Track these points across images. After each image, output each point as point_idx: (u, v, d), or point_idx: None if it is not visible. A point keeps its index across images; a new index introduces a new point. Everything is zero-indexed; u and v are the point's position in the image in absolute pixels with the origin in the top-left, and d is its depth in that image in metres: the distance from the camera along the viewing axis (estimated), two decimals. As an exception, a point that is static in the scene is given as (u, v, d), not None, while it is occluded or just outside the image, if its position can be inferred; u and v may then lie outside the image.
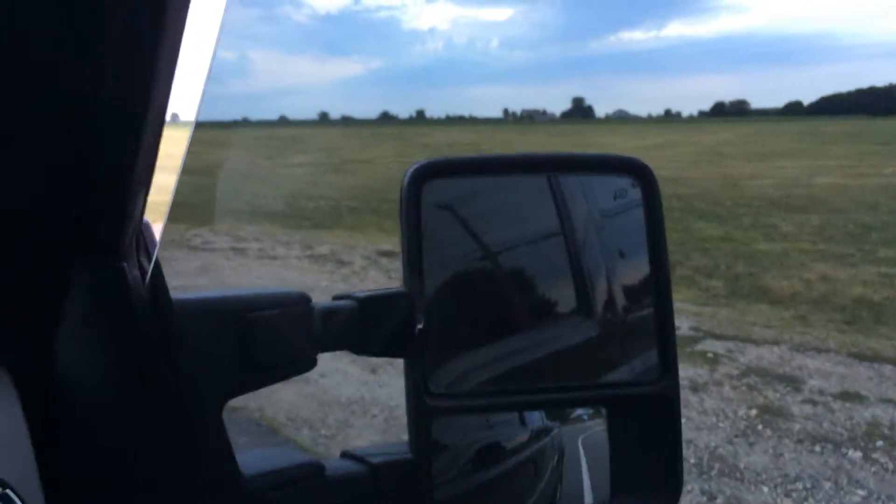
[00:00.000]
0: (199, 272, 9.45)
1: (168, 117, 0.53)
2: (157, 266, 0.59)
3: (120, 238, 0.56)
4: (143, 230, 0.60)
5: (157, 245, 0.60)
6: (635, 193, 0.79)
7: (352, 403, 5.16)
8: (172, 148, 0.57)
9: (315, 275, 9.33)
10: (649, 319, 0.79)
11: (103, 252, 0.56)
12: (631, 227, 0.79)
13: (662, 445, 0.78)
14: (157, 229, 0.61)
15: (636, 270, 0.79)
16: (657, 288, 0.78)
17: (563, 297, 0.79)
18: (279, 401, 5.05)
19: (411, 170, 0.73)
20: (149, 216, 0.60)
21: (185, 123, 0.58)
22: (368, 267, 9.82)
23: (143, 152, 0.51)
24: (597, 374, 0.80)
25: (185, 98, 0.54)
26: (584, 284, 0.80)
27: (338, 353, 0.72)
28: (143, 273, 0.58)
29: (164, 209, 0.61)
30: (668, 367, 0.77)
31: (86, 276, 0.56)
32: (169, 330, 0.58)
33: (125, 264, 0.57)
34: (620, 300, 0.81)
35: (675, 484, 0.78)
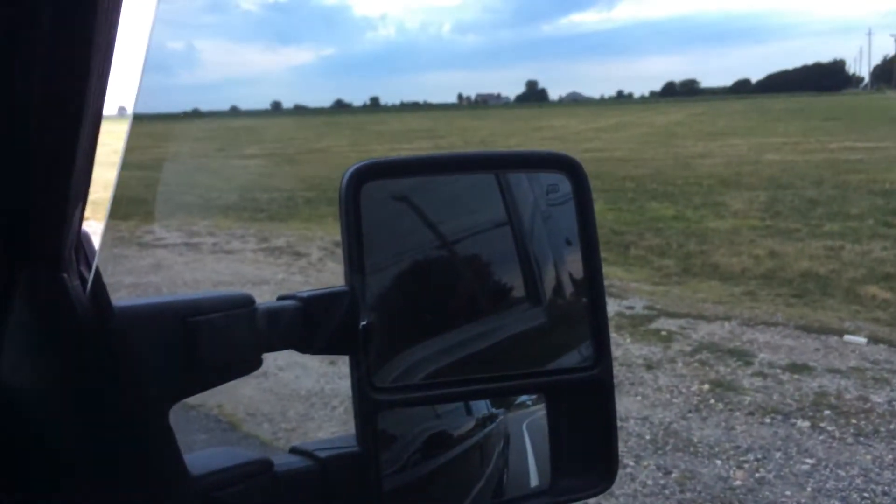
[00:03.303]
0: (151, 270, 9.30)
1: (106, 113, 0.53)
2: (98, 274, 0.60)
3: (59, 248, 0.57)
4: (83, 240, 0.61)
5: (97, 254, 0.61)
6: (567, 188, 0.82)
7: (311, 396, 5.16)
8: (114, 144, 0.57)
9: (272, 267, 9.26)
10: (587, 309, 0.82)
11: (43, 262, 0.56)
12: (571, 219, 0.82)
13: (599, 429, 0.82)
14: (97, 237, 0.62)
15: (577, 261, 0.82)
16: (590, 279, 0.81)
17: (509, 289, 0.82)
18: (239, 396, 5.02)
19: (350, 171, 0.75)
20: (91, 214, 0.61)
21: (125, 118, 0.57)
22: (325, 258, 9.77)
23: (79, 157, 0.51)
24: (539, 362, 0.83)
25: (124, 92, 0.53)
26: (531, 276, 0.82)
27: (294, 349, 0.74)
28: (84, 282, 0.59)
29: (105, 211, 0.61)
30: (601, 353, 0.81)
31: (25, 286, 0.56)
32: (111, 336, 0.59)
33: (65, 274, 0.58)
34: (565, 290, 0.84)
35: (611, 464, 0.81)
